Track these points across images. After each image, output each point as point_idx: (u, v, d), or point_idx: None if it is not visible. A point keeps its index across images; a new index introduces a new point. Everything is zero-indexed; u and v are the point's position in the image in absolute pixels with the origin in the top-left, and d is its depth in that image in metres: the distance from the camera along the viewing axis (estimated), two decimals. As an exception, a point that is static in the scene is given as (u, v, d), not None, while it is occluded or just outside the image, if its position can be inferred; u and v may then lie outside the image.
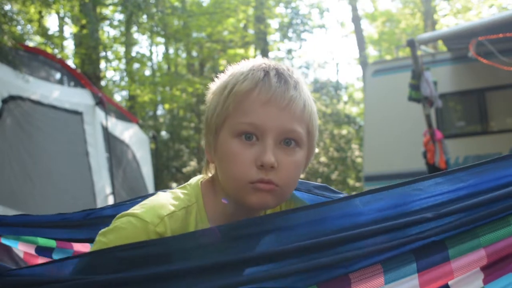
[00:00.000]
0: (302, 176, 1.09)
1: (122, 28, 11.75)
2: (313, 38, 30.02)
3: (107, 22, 12.01)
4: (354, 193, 1.27)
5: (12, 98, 4.63)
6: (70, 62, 10.97)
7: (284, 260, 0.83)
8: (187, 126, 14.03)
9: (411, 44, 5.20)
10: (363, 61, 15.34)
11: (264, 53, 15.21)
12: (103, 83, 12.33)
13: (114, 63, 13.98)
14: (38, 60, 5.34)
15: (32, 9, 6.77)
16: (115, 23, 12.06)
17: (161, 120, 14.80)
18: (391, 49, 16.43)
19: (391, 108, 6.90)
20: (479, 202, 0.89)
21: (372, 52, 18.96)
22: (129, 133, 6.65)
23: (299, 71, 1.07)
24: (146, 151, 7.12)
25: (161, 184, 10.95)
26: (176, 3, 11.62)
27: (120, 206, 1.35)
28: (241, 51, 14.41)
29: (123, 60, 13.55)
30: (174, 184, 12.46)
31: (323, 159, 13.50)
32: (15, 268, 0.87)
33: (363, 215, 0.89)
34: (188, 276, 0.81)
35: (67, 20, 11.07)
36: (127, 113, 7.11)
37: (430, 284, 0.87)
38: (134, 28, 10.62)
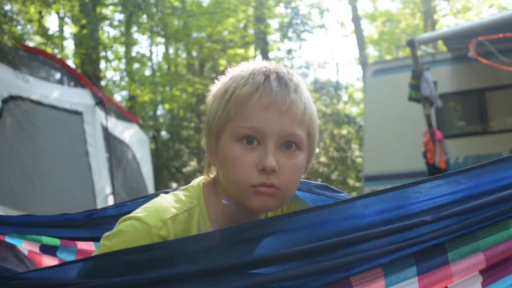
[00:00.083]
0: (302, 176, 1.09)
1: (122, 28, 11.75)
2: (313, 38, 30.06)
3: (107, 22, 12.01)
4: (354, 193, 1.27)
5: (12, 98, 4.63)
6: (70, 62, 10.97)
7: (286, 264, 0.84)
8: (187, 126, 14.03)
9: (411, 44, 5.20)
10: (363, 61, 15.34)
11: (264, 53, 15.21)
12: (103, 83, 12.32)
13: (114, 63, 13.99)
14: (38, 60, 5.34)
15: (32, 9, 6.77)
16: (115, 23, 12.06)
17: (161, 120, 14.80)
18: (391, 49, 16.43)
19: (391, 108, 6.90)
20: (478, 205, 0.89)
21: (372, 52, 18.96)
22: (129, 133, 6.65)
23: (299, 74, 1.06)
24: (146, 151, 7.12)
25: (161, 184, 10.95)
26: (176, 3, 11.62)
27: (122, 206, 1.36)
28: (241, 51, 14.41)
29: (123, 60, 13.54)
30: (174, 184, 12.46)
31: (323, 159, 13.50)
32: (22, 272, 0.88)
33: (364, 217, 0.89)
34: (191, 279, 0.82)
35: (67, 20, 11.06)
36: (127, 113, 7.11)
37: (430, 287, 0.87)
38: (134, 28, 10.62)
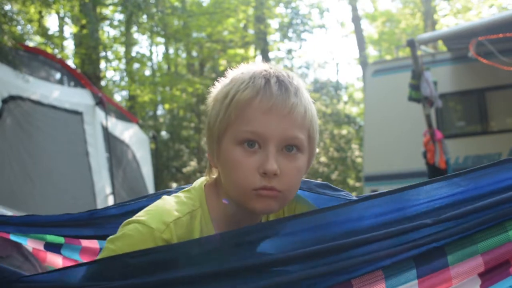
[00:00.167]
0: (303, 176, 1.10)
1: (122, 28, 11.75)
2: (313, 38, 30.05)
3: (107, 22, 12.01)
4: (354, 193, 1.28)
5: (12, 98, 4.63)
6: (70, 62, 10.97)
7: (288, 267, 0.85)
8: (187, 126, 14.04)
9: (411, 44, 5.20)
10: (363, 61, 15.34)
11: (264, 53, 15.21)
12: (103, 83, 12.33)
13: (114, 63, 13.99)
14: (38, 60, 5.34)
15: (32, 9, 6.77)
16: (115, 23, 12.06)
17: (161, 120, 14.80)
18: (391, 49, 16.43)
19: (391, 108, 6.90)
20: (477, 208, 0.90)
21: (372, 52, 18.97)
22: (129, 133, 6.65)
23: (298, 76, 1.07)
24: (146, 151, 7.13)
25: (161, 184, 10.95)
26: (176, 3, 11.61)
27: (124, 205, 1.38)
28: (241, 51, 14.41)
29: (123, 60, 13.55)
30: (174, 184, 12.47)
31: (323, 159, 13.51)
32: (28, 275, 0.90)
33: (364, 220, 0.90)
34: (194, 282, 0.83)
35: (67, 20, 11.07)
36: (127, 113, 7.12)
37: None
38: (134, 28, 10.62)
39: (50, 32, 11.06)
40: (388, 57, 15.73)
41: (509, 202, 0.90)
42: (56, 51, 11.20)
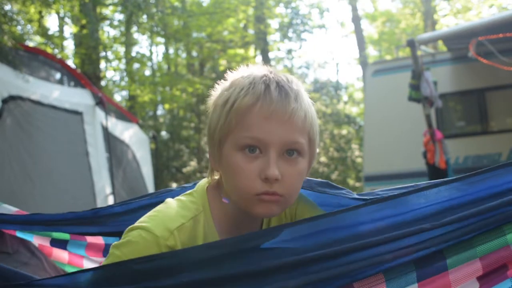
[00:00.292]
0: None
1: (122, 28, 11.75)
2: (313, 38, 30.06)
3: (107, 22, 12.01)
4: (354, 192, 1.29)
5: (12, 98, 4.62)
6: (70, 62, 10.97)
7: (290, 272, 0.86)
8: (187, 126, 14.04)
9: (411, 44, 5.19)
10: (363, 61, 15.34)
11: (264, 53, 15.21)
12: (103, 83, 12.32)
13: (114, 63, 13.99)
14: (38, 60, 5.33)
15: (32, 9, 6.77)
16: (115, 23, 12.05)
17: (161, 120, 14.80)
18: (391, 49, 16.43)
19: (391, 108, 6.90)
20: (475, 212, 0.90)
21: (372, 52, 18.97)
22: (129, 133, 6.65)
23: (297, 78, 1.07)
24: (146, 151, 7.13)
25: (161, 184, 10.95)
26: (176, 3, 11.61)
27: (128, 204, 1.41)
28: (241, 51, 14.41)
29: (123, 60, 13.54)
30: (174, 184, 12.46)
31: (323, 159, 13.51)
32: (38, 279, 0.93)
33: (365, 224, 0.91)
34: None
35: (67, 20, 11.07)
36: (127, 113, 7.11)
37: None
38: (134, 28, 10.62)
39: (50, 32, 11.07)
40: (388, 57, 15.73)
41: (507, 206, 0.90)
42: (56, 51, 11.20)
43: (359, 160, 13.16)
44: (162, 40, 13.88)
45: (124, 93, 14.80)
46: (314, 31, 20.13)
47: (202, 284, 0.85)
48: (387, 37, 17.34)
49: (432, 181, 1.19)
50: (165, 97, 13.97)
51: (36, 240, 1.42)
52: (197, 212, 1.05)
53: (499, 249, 0.90)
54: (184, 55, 15.06)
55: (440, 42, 8.30)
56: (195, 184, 1.34)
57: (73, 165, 5.29)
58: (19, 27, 6.59)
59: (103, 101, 5.71)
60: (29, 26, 8.08)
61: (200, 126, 13.58)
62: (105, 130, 5.75)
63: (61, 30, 11.88)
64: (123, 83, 14.23)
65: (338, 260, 0.87)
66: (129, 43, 12.62)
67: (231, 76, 1.07)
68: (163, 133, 14.12)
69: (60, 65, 5.67)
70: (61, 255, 1.48)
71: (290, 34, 15.52)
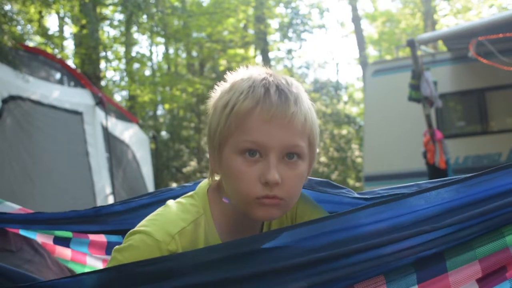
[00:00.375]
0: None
1: (122, 28, 11.75)
2: (313, 38, 30.05)
3: (107, 22, 12.01)
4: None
5: (12, 98, 4.62)
6: (70, 62, 10.97)
7: (291, 274, 0.87)
8: (187, 126, 14.04)
9: (411, 44, 5.19)
10: (363, 61, 15.34)
11: (264, 53, 15.21)
12: (103, 83, 12.32)
13: (114, 63, 13.98)
14: (38, 60, 5.33)
15: (32, 9, 6.77)
16: (115, 23, 12.05)
17: (161, 120, 14.80)
18: (391, 49, 16.43)
19: (391, 108, 6.90)
20: (475, 214, 0.90)
21: (372, 52, 18.96)
22: (129, 133, 6.65)
23: (297, 81, 1.07)
24: (146, 151, 7.13)
25: (161, 184, 10.95)
26: (176, 3, 11.61)
27: (129, 202, 1.42)
28: (241, 51, 14.41)
29: (123, 60, 13.54)
30: (174, 184, 12.46)
31: (323, 159, 13.51)
32: (42, 281, 0.96)
33: (365, 226, 0.91)
34: None
35: (67, 20, 11.07)
36: (127, 113, 7.11)
37: None
38: (134, 28, 10.62)
39: (50, 32, 11.07)
40: (388, 57, 15.73)
41: (506, 207, 0.90)
42: (56, 51, 11.20)
43: (359, 160, 13.16)
44: (162, 40, 13.88)
45: (124, 93, 14.81)
46: (314, 31, 20.15)
47: (204, 287, 0.86)
48: (387, 37, 17.34)
49: (432, 180, 1.20)
50: (165, 97, 13.97)
51: (39, 238, 1.43)
52: (198, 215, 1.05)
53: (498, 251, 0.90)
54: (184, 55, 15.06)
55: (440, 42, 8.30)
56: (195, 183, 1.34)
57: (73, 165, 5.29)
58: (19, 27, 6.60)
59: (103, 101, 5.71)
60: (29, 26, 8.09)
61: (200, 126, 13.58)
62: (105, 130, 5.75)
63: (61, 30, 11.89)
64: (123, 83, 14.23)
65: (340, 262, 0.87)
66: (129, 43, 12.62)
67: (231, 78, 1.06)
68: (163, 133, 14.12)
69: (60, 65, 5.67)
70: (64, 252, 1.50)
71: (290, 34, 15.52)
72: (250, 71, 1.06)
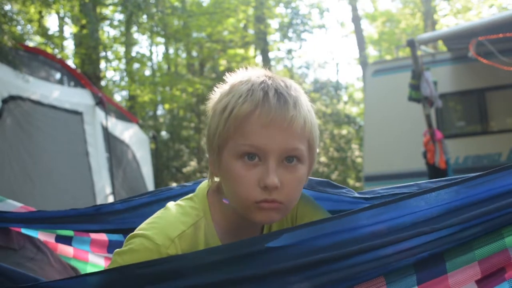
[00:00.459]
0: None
1: (122, 28, 11.75)
2: (313, 38, 30.05)
3: (107, 22, 12.01)
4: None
5: (12, 98, 4.62)
6: (70, 62, 10.97)
7: (291, 276, 0.87)
8: (187, 126, 14.04)
9: (411, 44, 5.19)
10: (363, 61, 15.34)
11: (264, 53, 15.21)
12: (103, 83, 12.33)
13: (114, 63, 13.98)
14: (38, 60, 5.33)
15: (32, 9, 6.77)
16: (115, 23, 12.05)
17: (161, 120, 14.80)
18: (391, 49, 16.43)
19: (391, 108, 6.90)
20: (474, 215, 0.90)
21: (372, 52, 18.97)
22: (129, 133, 6.65)
23: (297, 84, 1.06)
24: (146, 151, 7.13)
25: (161, 184, 10.95)
26: (176, 3, 11.61)
27: (129, 201, 1.43)
28: (241, 51, 14.40)
29: (123, 60, 13.54)
30: (174, 184, 12.45)
31: (323, 159, 13.51)
32: (44, 281, 0.96)
33: (366, 228, 0.91)
34: None
35: (67, 20, 11.07)
36: (127, 113, 7.12)
37: None
38: (134, 28, 10.61)
39: (50, 32, 11.07)
40: (388, 57, 15.73)
41: (505, 208, 0.90)
42: (56, 51, 11.21)
43: (359, 160, 13.16)
44: (162, 40, 13.88)
45: (124, 93, 14.81)
46: (314, 31, 20.15)
47: None
48: (387, 37, 17.34)
49: (432, 180, 1.20)
50: (165, 97, 13.97)
51: (41, 236, 1.44)
52: (198, 218, 1.05)
53: (497, 253, 0.90)
54: (184, 55, 15.06)
55: (440, 42, 8.31)
56: (195, 183, 1.34)
57: (73, 165, 5.29)
58: (19, 27, 6.60)
59: (103, 101, 5.71)
60: (29, 26, 8.09)
61: (200, 126, 13.58)
62: (105, 130, 5.75)
63: (61, 30, 11.89)
64: (123, 83, 14.23)
65: (340, 263, 0.88)
66: (129, 43, 12.62)
67: (230, 80, 1.06)
68: (163, 133, 14.12)
69: (60, 65, 5.67)
70: (66, 250, 1.51)
71: (290, 34, 15.52)
72: (249, 73, 1.05)
